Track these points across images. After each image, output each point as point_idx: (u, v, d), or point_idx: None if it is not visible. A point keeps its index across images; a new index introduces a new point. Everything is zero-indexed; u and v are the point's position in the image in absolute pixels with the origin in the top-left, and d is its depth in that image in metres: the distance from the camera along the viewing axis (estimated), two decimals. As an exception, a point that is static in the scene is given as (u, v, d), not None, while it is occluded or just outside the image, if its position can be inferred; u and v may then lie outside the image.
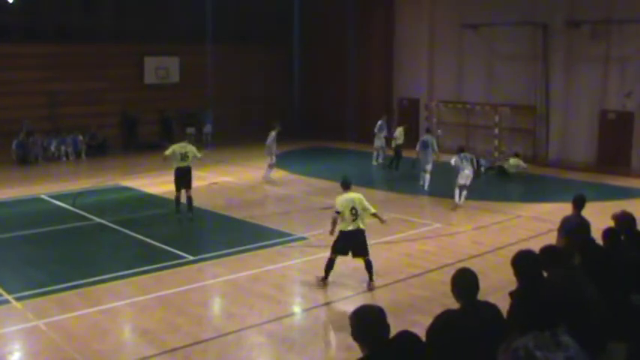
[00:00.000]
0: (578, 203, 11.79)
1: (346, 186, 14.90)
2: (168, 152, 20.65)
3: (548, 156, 30.95)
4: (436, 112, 34.85)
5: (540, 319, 4.44)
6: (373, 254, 15.00)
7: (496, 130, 31.41)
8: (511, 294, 6.51)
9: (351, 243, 14.43)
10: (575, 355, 3.96)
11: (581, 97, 30.42)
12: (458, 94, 34.51)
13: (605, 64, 29.51)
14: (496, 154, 30.90)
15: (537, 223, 20.49)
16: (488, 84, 33.22)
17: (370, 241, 17.56)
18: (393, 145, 29.48)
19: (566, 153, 30.79)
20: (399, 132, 29.58)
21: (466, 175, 22.56)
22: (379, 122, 30.87)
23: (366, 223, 14.69)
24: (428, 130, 27.47)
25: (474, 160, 23.62)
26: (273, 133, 26.73)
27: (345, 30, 37.94)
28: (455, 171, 22.45)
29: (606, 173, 28.11)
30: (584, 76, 30.21)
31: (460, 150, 23.29)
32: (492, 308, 6.36)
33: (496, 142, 31.35)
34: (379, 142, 30.78)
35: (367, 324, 5.18)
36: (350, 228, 14.35)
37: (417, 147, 25.95)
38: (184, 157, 20.36)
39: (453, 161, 22.46)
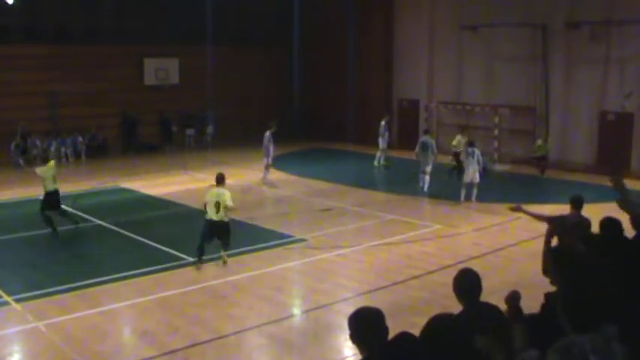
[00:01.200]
0: (576, 203, 11.73)
1: (218, 180, 16.62)
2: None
3: (548, 157, 30.93)
4: (436, 113, 34.86)
5: (593, 319, 4.39)
6: (373, 255, 14.99)
7: (496, 132, 31.41)
8: (549, 295, 6.43)
9: (215, 231, 16.36)
10: None
11: (580, 98, 30.43)
12: (457, 95, 34.52)
13: (604, 65, 29.52)
14: (496, 155, 30.93)
15: (537, 225, 20.43)
16: (488, 85, 33.23)
17: (370, 243, 17.60)
18: (452, 152, 27.73)
19: (565, 154, 30.78)
20: (457, 140, 27.67)
21: (470, 174, 22.71)
22: (382, 123, 30.72)
23: (228, 216, 16.38)
24: (427, 132, 27.44)
25: (479, 158, 23.60)
26: (267, 134, 26.69)
27: (344, 31, 37.94)
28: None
29: (606, 174, 27.99)
30: (583, 77, 30.21)
31: (469, 144, 23.61)
32: (494, 309, 6.35)
33: (496, 144, 31.36)
34: (383, 143, 30.56)
35: (366, 326, 5.15)
36: (214, 218, 16.20)
37: (417, 148, 25.94)
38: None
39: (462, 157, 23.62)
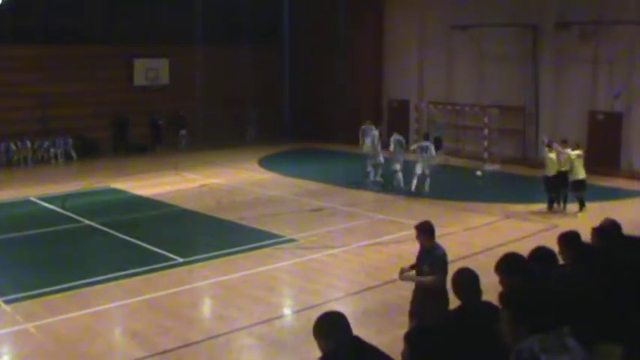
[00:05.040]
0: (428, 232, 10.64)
1: None
2: None
3: (538, 156, 31.00)
4: (426, 113, 34.89)
5: (546, 320, 4.43)
6: (364, 255, 15.00)
7: (485, 131, 31.46)
8: (503, 296, 6.46)
9: None
10: (581, 358, 3.96)
11: (570, 97, 30.52)
12: (448, 95, 34.54)
13: (594, 65, 29.62)
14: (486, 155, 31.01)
15: (526, 224, 20.57)
16: (478, 85, 33.27)
17: (360, 243, 17.61)
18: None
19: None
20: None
21: (422, 166, 24.68)
22: (362, 127, 30.32)
23: None
24: (426, 136, 27.09)
25: (432, 152, 25.17)
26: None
27: (335, 31, 37.92)
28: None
29: (595, 174, 28.17)
30: (573, 76, 30.29)
31: (425, 138, 25.90)
32: (493, 307, 6.39)
33: (485, 143, 31.40)
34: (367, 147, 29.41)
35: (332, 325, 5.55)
36: None
37: (417, 152, 25.73)
38: None
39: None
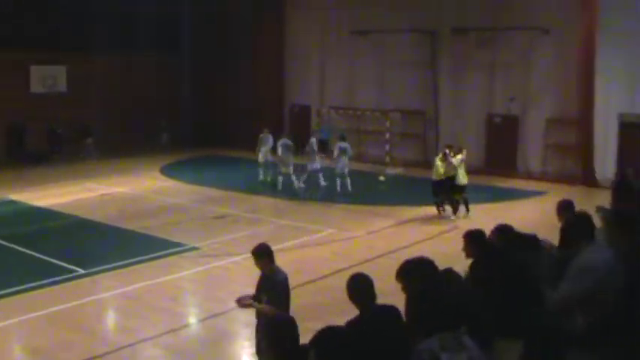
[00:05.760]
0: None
1: None
2: None
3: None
4: (327, 118, 35.09)
5: (445, 321, 4.55)
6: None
7: (387, 136, 31.87)
8: (409, 299, 6.56)
9: None
10: (476, 355, 4.08)
11: (468, 101, 31.27)
12: (349, 100, 34.82)
13: (490, 69, 30.39)
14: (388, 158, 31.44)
15: (428, 226, 20.97)
16: (380, 90, 33.68)
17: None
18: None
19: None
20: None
21: (342, 167, 25.96)
22: (260, 135, 29.19)
23: None
24: (343, 138, 26.96)
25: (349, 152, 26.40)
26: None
27: (236, 36, 37.81)
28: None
29: (494, 175, 28.97)
30: (471, 81, 31.05)
31: (341, 138, 26.77)
32: (392, 310, 6.48)
33: (387, 147, 31.81)
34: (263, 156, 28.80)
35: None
36: None
37: (335, 154, 26.19)
38: None
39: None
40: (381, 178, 29.12)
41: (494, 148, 30.67)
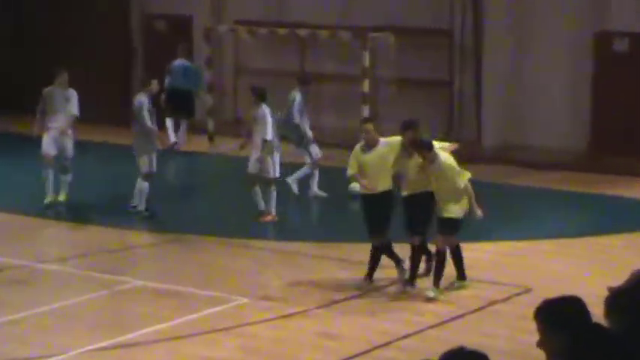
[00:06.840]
0: None
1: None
2: None
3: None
4: (233, 44, 18.07)
5: None
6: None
7: (364, 85, 16.36)
8: None
9: None
10: None
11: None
12: (278, 11, 17.94)
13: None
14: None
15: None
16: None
17: None
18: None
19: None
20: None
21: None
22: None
23: None
24: (262, 97, 13.96)
25: None
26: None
27: None
28: None
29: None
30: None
31: None
32: None
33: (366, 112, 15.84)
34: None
35: None
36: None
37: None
38: None
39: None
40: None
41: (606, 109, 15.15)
